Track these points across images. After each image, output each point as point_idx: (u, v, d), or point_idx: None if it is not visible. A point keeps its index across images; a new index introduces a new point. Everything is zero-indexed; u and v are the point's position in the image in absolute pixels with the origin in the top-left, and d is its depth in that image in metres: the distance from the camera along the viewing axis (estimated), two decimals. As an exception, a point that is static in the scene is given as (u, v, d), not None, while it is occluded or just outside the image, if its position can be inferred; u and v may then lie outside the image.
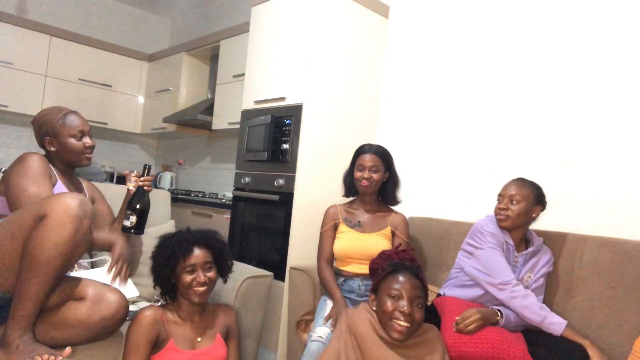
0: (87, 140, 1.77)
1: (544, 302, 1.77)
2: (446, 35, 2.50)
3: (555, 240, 1.84)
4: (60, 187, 1.68)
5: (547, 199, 1.79)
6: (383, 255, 1.56)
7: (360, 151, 2.06)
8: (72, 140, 1.73)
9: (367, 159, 2.01)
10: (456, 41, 2.46)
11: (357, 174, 2.03)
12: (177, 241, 1.55)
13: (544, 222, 1.99)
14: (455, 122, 2.41)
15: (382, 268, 1.51)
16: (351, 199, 2.16)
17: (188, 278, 1.52)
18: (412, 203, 2.52)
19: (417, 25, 2.65)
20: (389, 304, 1.38)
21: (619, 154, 1.87)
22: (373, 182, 2.00)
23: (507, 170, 1.93)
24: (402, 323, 1.35)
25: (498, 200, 1.79)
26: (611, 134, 1.90)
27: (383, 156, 2.03)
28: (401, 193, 2.13)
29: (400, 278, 1.40)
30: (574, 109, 2.00)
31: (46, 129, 1.72)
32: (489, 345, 1.47)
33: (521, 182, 1.77)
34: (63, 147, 1.73)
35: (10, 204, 1.56)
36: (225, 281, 1.70)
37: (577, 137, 1.98)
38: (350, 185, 2.11)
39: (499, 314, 1.61)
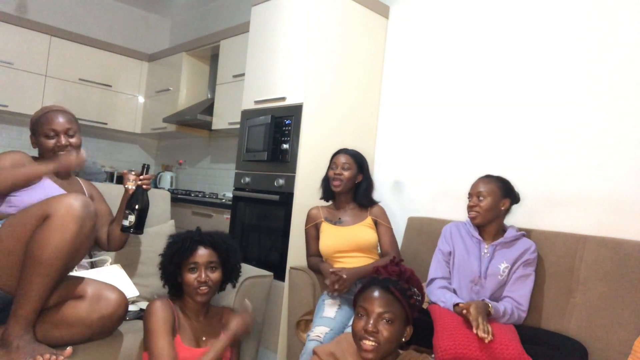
0: (61, 139, 1.71)
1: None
2: (446, 35, 2.50)
3: (555, 240, 1.84)
4: (51, 185, 1.65)
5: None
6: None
7: (335, 153, 2.18)
8: (43, 139, 1.71)
9: (340, 158, 2.12)
10: (456, 41, 2.45)
11: (330, 172, 2.13)
12: (183, 239, 1.57)
13: (544, 222, 1.99)
14: (455, 122, 2.41)
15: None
16: (329, 203, 2.24)
17: (191, 277, 1.53)
18: (412, 203, 2.52)
19: (417, 25, 2.65)
20: (357, 324, 1.31)
21: (619, 154, 1.87)
22: (344, 179, 2.07)
23: (507, 170, 1.93)
24: (367, 342, 1.27)
25: (468, 198, 1.87)
26: (612, 134, 1.89)
27: (355, 157, 2.13)
28: (375, 196, 2.21)
29: (368, 295, 1.33)
30: (575, 109, 2.00)
31: (30, 127, 1.75)
32: (482, 348, 1.46)
33: (487, 178, 1.86)
34: (39, 146, 1.74)
35: None
36: (234, 285, 1.71)
37: (578, 138, 1.98)
38: (327, 188, 2.20)
39: (489, 305, 1.61)
